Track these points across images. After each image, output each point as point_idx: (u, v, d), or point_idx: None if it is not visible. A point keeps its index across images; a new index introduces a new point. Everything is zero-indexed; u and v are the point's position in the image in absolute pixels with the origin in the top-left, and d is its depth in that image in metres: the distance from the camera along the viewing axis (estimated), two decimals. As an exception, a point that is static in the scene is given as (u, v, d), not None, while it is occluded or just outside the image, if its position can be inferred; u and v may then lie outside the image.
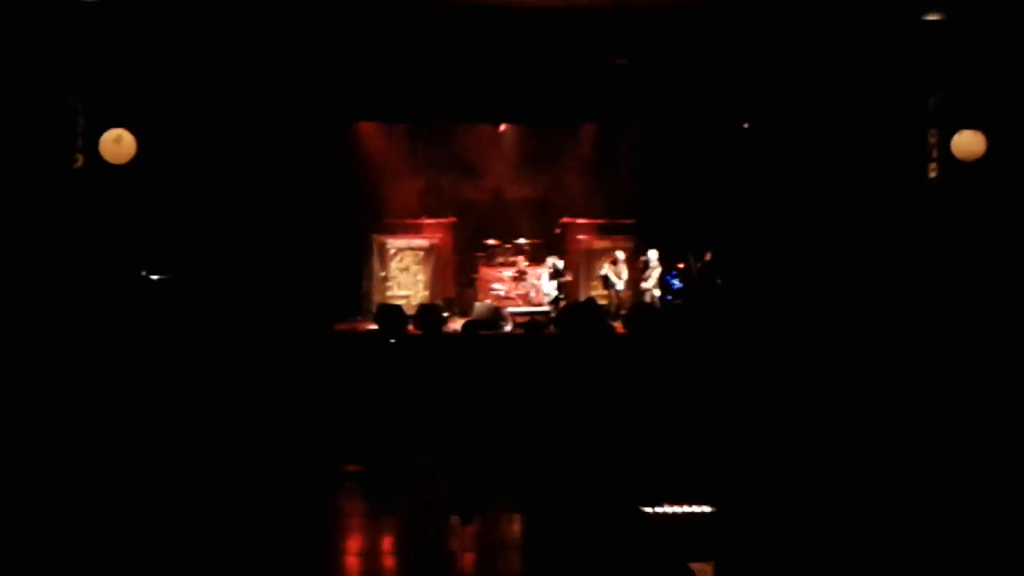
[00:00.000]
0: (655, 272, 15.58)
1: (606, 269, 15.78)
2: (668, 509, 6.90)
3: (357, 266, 15.81)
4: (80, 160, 12.27)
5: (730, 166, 15.63)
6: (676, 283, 15.62)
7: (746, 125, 15.70)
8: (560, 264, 15.72)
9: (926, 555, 5.32)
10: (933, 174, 13.48)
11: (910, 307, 11.77)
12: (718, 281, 15.19)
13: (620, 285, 15.70)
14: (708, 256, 15.34)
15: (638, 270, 15.87)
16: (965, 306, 11.32)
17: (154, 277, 12.72)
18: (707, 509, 6.76)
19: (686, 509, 6.88)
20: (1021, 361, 8.60)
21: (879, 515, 5.60)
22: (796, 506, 5.64)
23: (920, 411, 7.41)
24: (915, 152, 13.63)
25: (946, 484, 6.02)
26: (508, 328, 14.27)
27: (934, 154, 13.45)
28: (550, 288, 15.45)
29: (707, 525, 6.55)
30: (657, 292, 15.54)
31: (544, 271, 15.72)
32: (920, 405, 7.59)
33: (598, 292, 15.89)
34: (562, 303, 15.17)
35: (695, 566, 5.92)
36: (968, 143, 12.61)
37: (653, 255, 15.66)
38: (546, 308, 15.00)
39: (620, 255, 15.80)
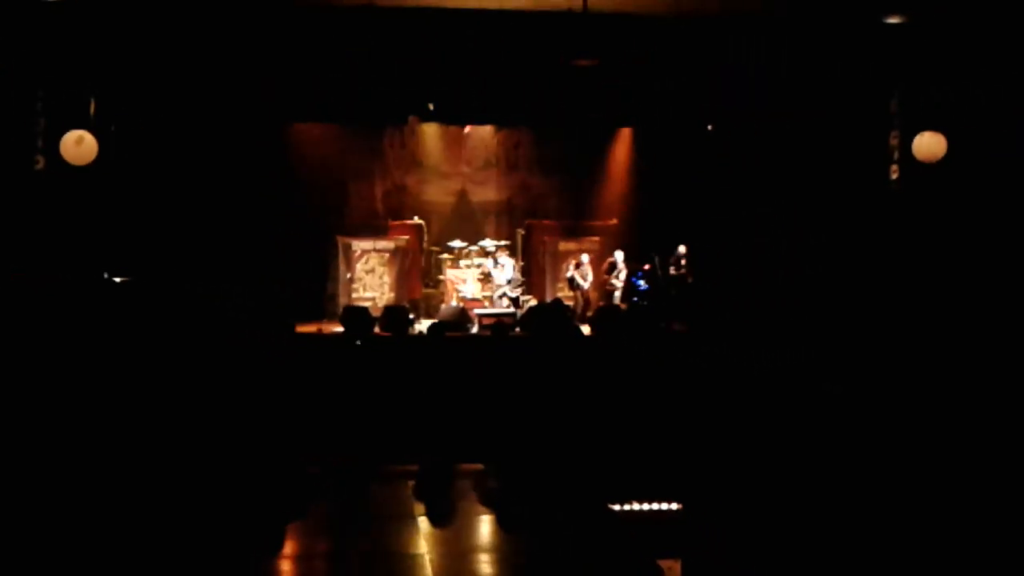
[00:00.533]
0: (622, 273, 15.63)
1: (571, 271, 15.81)
2: (636, 507, 6.92)
3: (322, 268, 15.73)
4: (41, 162, 12.14)
5: (695, 168, 15.72)
6: (642, 284, 15.68)
7: (710, 127, 15.79)
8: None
9: (897, 552, 5.36)
10: (895, 176, 13.62)
11: (872, 306, 11.88)
12: (688, 280, 15.28)
13: (586, 286, 15.73)
14: (682, 249, 15.41)
15: (604, 272, 15.92)
16: (926, 305, 11.44)
17: (116, 279, 12.61)
18: (675, 506, 6.78)
19: (654, 507, 6.90)
20: (984, 358, 8.70)
21: (847, 510, 5.64)
22: (763, 503, 5.67)
23: (886, 407, 7.48)
24: (877, 154, 13.76)
25: (916, 480, 6.07)
26: (474, 329, 14.26)
27: (895, 156, 13.58)
28: (508, 287, 15.46)
29: (675, 522, 6.57)
30: (585, 284, 15.61)
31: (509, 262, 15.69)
32: (887, 402, 7.66)
33: (564, 294, 15.91)
34: (522, 306, 15.21)
35: (663, 563, 5.94)
36: (929, 145, 12.75)
37: (619, 256, 15.72)
38: (509, 308, 15.00)
39: (585, 257, 15.84)
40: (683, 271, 15.59)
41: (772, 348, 9.89)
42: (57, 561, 5.88)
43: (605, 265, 15.94)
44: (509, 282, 15.31)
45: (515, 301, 15.21)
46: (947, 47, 12.78)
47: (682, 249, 15.60)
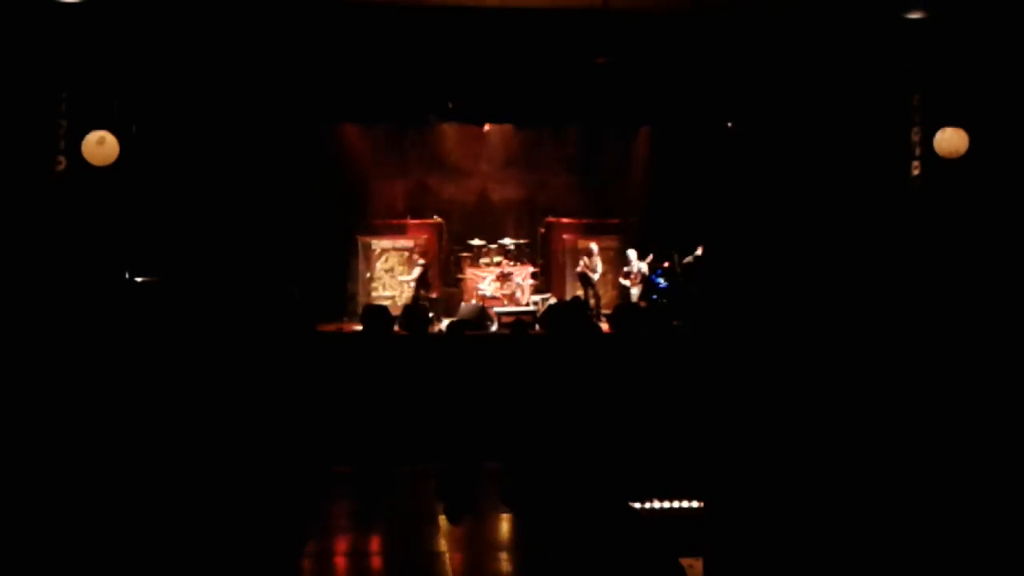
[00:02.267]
0: (635, 269, 15.57)
1: (581, 266, 15.76)
2: (657, 505, 6.91)
3: (342, 267, 15.77)
4: (63, 163, 12.19)
5: (715, 165, 15.68)
6: (661, 282, 15.65)
7: (730, 124, 15.75)
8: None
9: (917, 550, 5.33)
10: (916, 172, 13.53)
11: (894, 304, 11.81)
12: (703, 280, 15.24)
13: (595, 277, 15.66)
14: (700, 250, 15.36)
15: (620, 270, 15.91)
16: (948, 303, 11.36)
17: (138, 279, 12.66)
18: (696, 504, 6.76)
19: (675, 505, 6.88)
20: (1005, 358, 8.64)
21: (869, 512, 5.62)
22: (786, 502, 5.65)
23: (907, 408, 7.44)
24: (898, 150, 13.68)
25: (934, 481, 6.04)
26: (494, 328, 14.27)
27: (917, 152, 13.49)
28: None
29: (696, 520, 6.55)
30: (635, 291, 15.54)
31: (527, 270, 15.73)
32: (907, 402, 7.61)
33: (577, 293, 15.91)
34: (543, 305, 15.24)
35: (685, 561, 5.93)
36: (951, 141, 12.66)
37: (632, 254, 15.66)
38: (531, 308, 15.01)
39: (594, 247, 15.78)
40: (683, 269, 15.49)
41: (789, 345, 9.85)
42: (78, 560, 5.92)
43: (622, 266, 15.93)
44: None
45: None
46: (969, 42, 12.70)
47: (699, 251, 15.52)
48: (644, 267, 15.50)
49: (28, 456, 7.19)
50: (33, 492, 6.68)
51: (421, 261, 15.12)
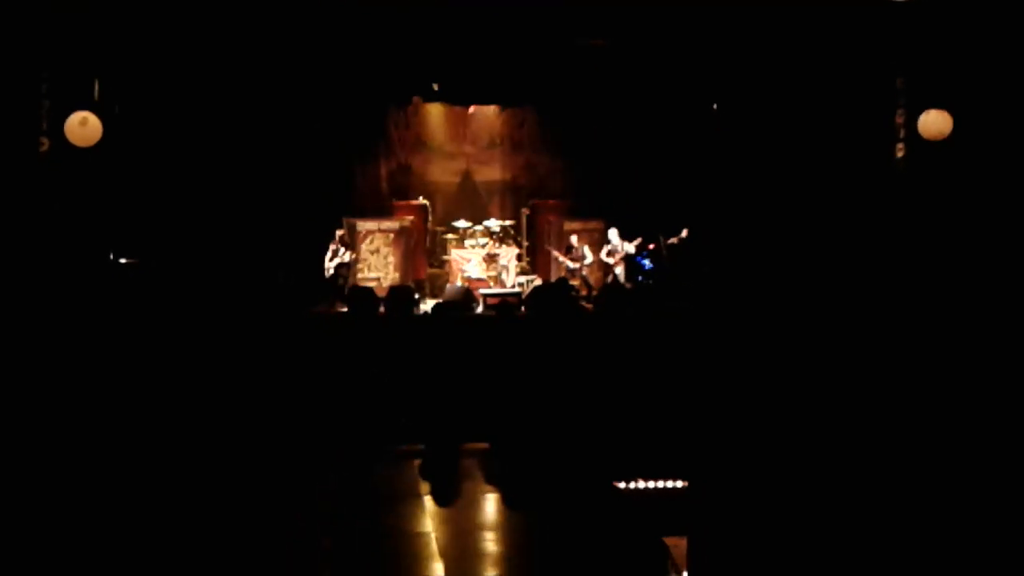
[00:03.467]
0: (618, 247, 15.52)
1: (562, 262, 15.70)
2: (642, 484, 6.95)
3: (327, 249, 15.72)
4: (46, 144, 12.12)
5: (700, 147, 15.69)
6: (647, 264, 15.67)
7: (715, 107, 15.75)
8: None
9: (902, 526, 5.38)
10: (900, 154, 13.57)
11: (879, 286, 11.86)
12: (688, 261, 15.24)
13: (587, 262, 15.62)
14: (685, 233, 15.34)
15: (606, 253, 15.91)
16: (933, 284, 11.42)
17: (123, 261, 12.62)
18: (681, 484, 6.81)
19: (660, 484, 6.92)
20: (989, 341, 8.70)
21: (855, 491, 5.66)
22: (771, 481, 5.69)
23: (893, 388, 7.48)
24: (882, 132, 13.70)
25: (919, 460, 6.08)
26: (479, 310, 14.27)
27: (901, 134, 13.52)
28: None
29: (681, 500, 6.59)
30: (620, 270, 15.51)
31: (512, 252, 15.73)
32: (893, 382, 7.66)
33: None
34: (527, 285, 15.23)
35: (669, 540, 5.97)
36: (935, 123, 12.69)
37: (613, 233, 15.62)
38: (517, 290, 15.01)
39: (574, 239, 15.79)
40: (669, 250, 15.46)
41: (773, 327, 9.89)
42: (68, 546, 5.92)
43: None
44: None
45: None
46: (953, 25, 12.72)
47: (684, 233, 15.47)
48: (629, 247, 15.47)
49: (19, 438, 7.19)
50: (26, 475, 6.68)
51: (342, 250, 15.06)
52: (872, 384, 7.60)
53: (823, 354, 8.68)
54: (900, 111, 13.50)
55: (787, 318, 10.58)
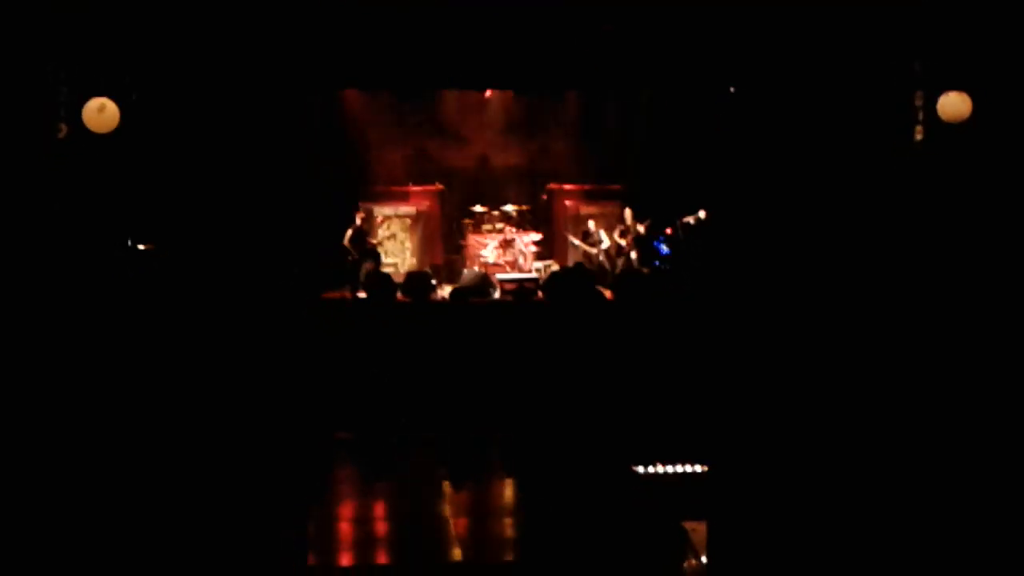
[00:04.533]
0: (633, 230, 15.49)
1: (578, 246, 15.66)
2: (661, 469, 6.93)
3: (344, 234, 15.74)
4: (63, 130, 12.14)
5: (717, 131, 15.60)
6: (664, 248, 15.62)
7: (732, 89, 15.65)
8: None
9: (920, 516, 5.36)
10: (919, 137, 13.47)
11: (897, 270, 11.80)
12: (705, 242, 15.17)
13: (605, 246, 15.58)
14: (702, 214, 15.28)
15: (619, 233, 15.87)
16: (952, 269, 11.35)
17: (140, 247, 12.65)
18: (700, 468, 6.79)
19: (679, 469, 6.91)
20: (1011, 326, 8.65)
21: (873, 476, 5.64)
22: (790, 465, 5.67)
23: (909, 374, 7.45)
24: (900, 115, 13.60)
25: (937, 447, 6.05)
26: (496, 295, 14.27)
27: (920, 116, 13.42)
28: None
29: (700, 484, 6.58)
30: (594, 250, 15.46)
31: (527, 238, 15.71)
32: (910, 368, 7.63)
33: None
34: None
35: (688, 525, 5.96)
36: (954, 105, 12.59)
37: (627, 215, 15.58)
38: (534, 275, 15.00)
39: (591, 224, 15.74)
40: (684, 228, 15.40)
41: (793, 312, 9.85)
42: (83, 526, 5.95)
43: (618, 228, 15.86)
44: None
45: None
46: (972, 4, 12.60)
47: (702, 214, 15.43)
48: (640, 228, 15.41)
49: (36, 423, 7.23)
50: (40, 458, 6.72)
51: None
52: (893, 369, 7.57)
53: (842, 338, 8.65)
54: (918, 93, 13.40)
55: (806, 302, 10.54)
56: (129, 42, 12.78)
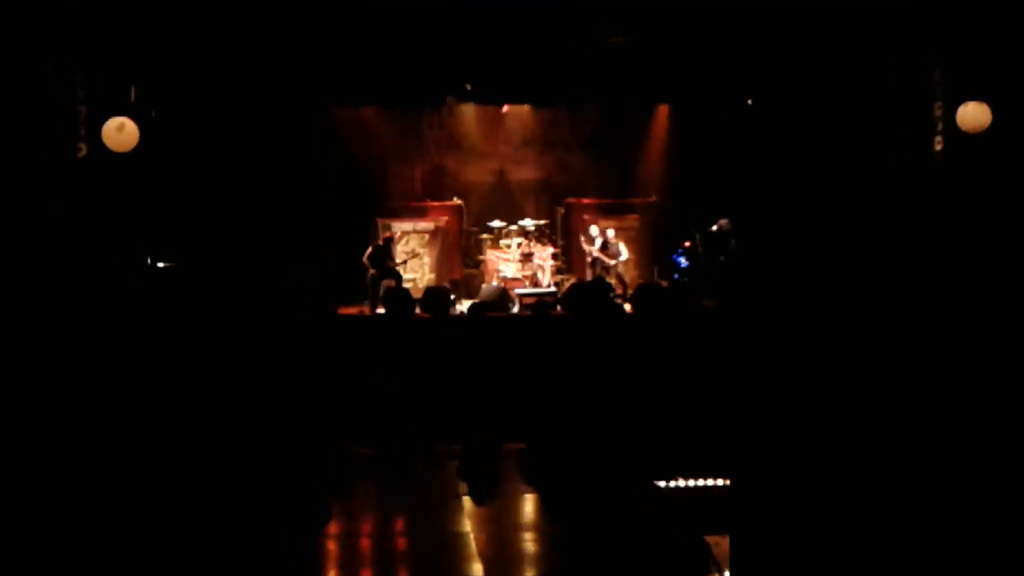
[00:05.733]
0: (597, 242, 15.48)
1: (595, 252, 15.64)
2: (683, 483, 6.90)
3: (363, 250, 15.78)
4: (83, 149, 12.22)
5: (735, 144, 15.58)
6: (682, 261, 15.58)
7: (749, 101, 15.63)
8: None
9: (942, 527, 5.31)
10: (939, 147, 13.41)
11: (920, 280, 11.74)
12: (721, 258, 15.13)
13: (623, 258, 15.54)
14: (724, 222, 15.21)
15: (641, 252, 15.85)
16: (972, 278, 11.28)
17: (160, 264, 12.71)
18: (722, 483, 6.75)
19: (701, 483, 6.87)
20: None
21: (896, 490, 5.59)
22: (812, 480, 5.63)
23: (934, 384, 7.39)
24: (921, 125, 13.55)
25: (963, 461, 6.00)
26: (515, 309, 14.26)
27: (939, 127, 13.37)
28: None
29: (722, 498, 6.54)
30: (612, 261, 15.43)
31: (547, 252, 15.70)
32: (934, 379, 7.57)
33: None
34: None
35: (711, 539, 5.92)
36: (974, 115, 12.53)
37: (595, 230, 15.62)
38: (552, 289, 14.98)
39: (611, 232, 15.69)
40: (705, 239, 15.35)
41: (816, 325, 9.80)
42: (96, 534, 5.97)
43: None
44: None
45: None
46: (991, 14, 12.55)
47: (723, 222, 15.35)
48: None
49: (52, 438, 7.25)
50: (62, 459, 6.75)
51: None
52: (915, 379, 7.52)
53: (863, 350, 8.59)
54: (938, 103, 13.35)
55: (826, 313, 10.49)
56: (148, 61, 12.87)
